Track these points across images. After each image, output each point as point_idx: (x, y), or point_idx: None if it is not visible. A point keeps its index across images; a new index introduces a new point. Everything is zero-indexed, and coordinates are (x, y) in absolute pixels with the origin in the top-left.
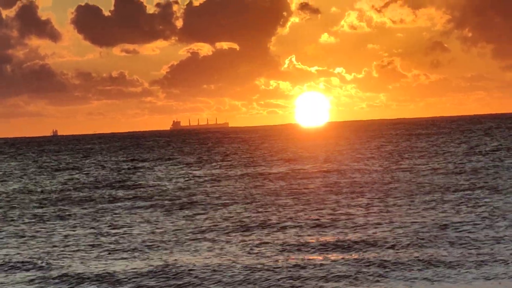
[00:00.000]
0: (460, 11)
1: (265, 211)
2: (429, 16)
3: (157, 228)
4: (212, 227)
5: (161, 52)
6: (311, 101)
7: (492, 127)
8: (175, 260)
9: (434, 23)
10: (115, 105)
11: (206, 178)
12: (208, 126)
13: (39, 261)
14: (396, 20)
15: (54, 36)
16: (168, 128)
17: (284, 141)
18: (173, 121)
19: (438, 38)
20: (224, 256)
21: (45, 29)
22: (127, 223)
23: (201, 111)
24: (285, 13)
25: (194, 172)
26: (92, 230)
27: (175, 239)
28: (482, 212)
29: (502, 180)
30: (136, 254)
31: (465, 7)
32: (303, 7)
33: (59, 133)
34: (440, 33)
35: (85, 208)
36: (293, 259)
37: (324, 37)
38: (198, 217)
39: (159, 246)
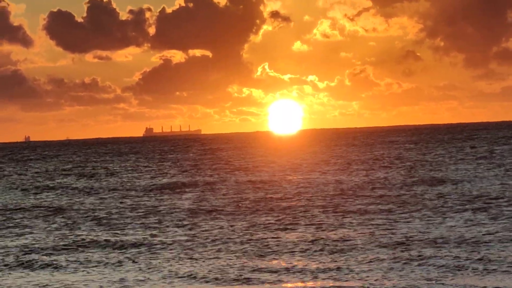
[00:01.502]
0: (432, 20)
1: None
2: (401, 25)
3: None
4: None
5: (134, 58)
6: (284, 109)
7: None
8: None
9: (406, 32)
10: (88, 111)
11: (144, 189)
12: (181, 133)
13: None
14: (368, 29)
15: (26, 42)
16: (141, 135)
17: (241, 150)
18: (146, 127)
19: (410, 47)
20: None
21: (17, 35)
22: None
23: (173, 118)
24: (258, 21)
25: (141, 181)
26: None
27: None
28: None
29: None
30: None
31: (437, 17)
32: (275, 15)
33: (31, 139)
34: (412, 42)
35: None
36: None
37: (297, 45)
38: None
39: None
